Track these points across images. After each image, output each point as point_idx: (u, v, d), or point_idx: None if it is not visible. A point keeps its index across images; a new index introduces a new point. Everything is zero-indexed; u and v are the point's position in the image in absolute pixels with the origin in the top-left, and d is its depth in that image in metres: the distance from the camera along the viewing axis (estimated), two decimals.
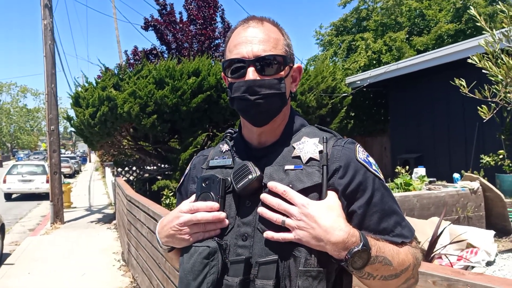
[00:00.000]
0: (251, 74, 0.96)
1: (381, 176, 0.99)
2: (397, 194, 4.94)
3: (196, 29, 14.09)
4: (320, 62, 15.75)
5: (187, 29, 13.94)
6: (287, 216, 0.89)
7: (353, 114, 11.35)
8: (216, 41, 14.51)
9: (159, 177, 9.50)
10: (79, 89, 9.18)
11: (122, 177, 9.98)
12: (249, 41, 0.97)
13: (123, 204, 6.28)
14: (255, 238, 0.93)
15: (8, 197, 15.31)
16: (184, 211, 0.97)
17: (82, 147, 62.61)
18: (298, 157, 0.97)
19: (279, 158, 0.99)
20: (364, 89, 10.95)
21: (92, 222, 10.12)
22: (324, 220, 0.86)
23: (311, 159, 0.96)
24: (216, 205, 0.95)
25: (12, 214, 11.81)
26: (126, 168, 10.73)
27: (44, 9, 10.04)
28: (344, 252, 0.84)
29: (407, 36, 16.83)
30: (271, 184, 0.92)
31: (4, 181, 14.84)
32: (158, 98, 7.87)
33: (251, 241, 0.93)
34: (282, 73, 0.99)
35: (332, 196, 0.91)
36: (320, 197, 0.91)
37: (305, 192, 0.91)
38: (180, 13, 14.35)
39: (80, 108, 8.55)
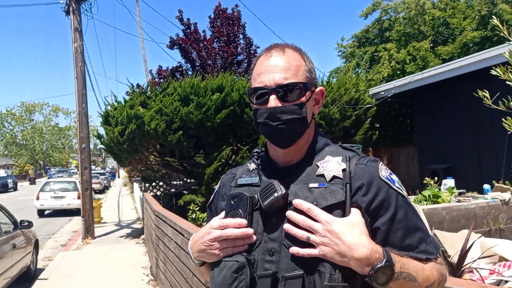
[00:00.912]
0: (273, 101, 1.02)
1: (405, 193, 1.01)
2: (425, 206, 4.84)
3: (220, 46, 14.38)
4: (342, 74, 15.69)
5: (210, 46, 14.25)
6: (312, 233, 0.93)
7: (377, 125, 11.21)
8: (239, 57, 14.76)
9: (185, 192, 9.63)
10: (109, 108, 9.50)
11: (150, 192, 10.19)
12: (271, 70, 1.03)
13: (151, 219, 6.41)
14: (281, 254, 0.97)
15: (41, 213, 15.81)
16: (214, 227, 1.03)
17: (111, 163, 64.06)
18: (322, 175, 1.01)
19: (303, 176, 1.03)
20: (389, 100, 10.82)
21: (121, 237, 10.34)
22: (348, 236, 0.89)
23: (334, 177, 0.99)
24: (244, 221, 1.00)
25: (45, 230, 12.22)
26: (153, 184, 10.95)
27: (74, 33, 10.52)
28: (367, 268, 0.87)
29: (431, 45, 16.58)
30: (296, 202, 0.97)
31: (37, 198, 15.38)
32: (183, 114, 8.05)
33: (277, 256, 0.98)
34: (303, 98, 1.04)
35: (355, 213, 0.95)
36: (344, 214, 0.95)
37: (329, 209, 0.95)
38: (204, 31, 14.72)
39: (109, 126, 8.84)
